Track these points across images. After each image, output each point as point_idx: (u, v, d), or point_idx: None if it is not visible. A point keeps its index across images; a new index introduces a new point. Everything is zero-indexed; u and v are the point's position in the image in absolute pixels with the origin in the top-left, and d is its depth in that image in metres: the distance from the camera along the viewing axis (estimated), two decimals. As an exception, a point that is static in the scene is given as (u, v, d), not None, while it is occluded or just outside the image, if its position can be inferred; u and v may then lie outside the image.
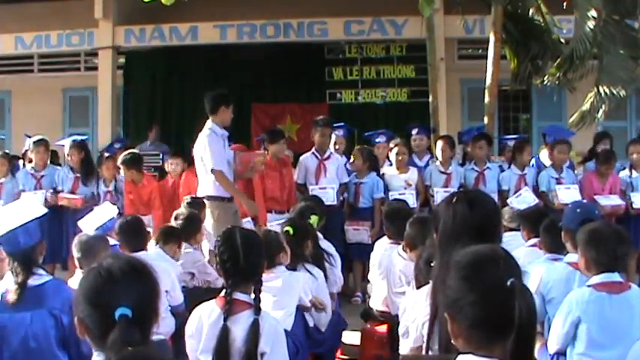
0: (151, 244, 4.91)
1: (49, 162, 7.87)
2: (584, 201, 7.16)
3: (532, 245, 4.75)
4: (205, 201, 6.03)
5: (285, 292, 3.91)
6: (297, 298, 4.05)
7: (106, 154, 7.95)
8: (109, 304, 1.76)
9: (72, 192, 7.57)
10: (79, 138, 8.22)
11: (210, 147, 5.97)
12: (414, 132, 8.07)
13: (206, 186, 6.08)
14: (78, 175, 7.65)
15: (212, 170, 5.95)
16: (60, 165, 8.34)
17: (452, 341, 1.67)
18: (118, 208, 6.50)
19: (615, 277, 3.25)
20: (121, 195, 7.57)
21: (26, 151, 8.44)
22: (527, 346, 1.55)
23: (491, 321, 1.59)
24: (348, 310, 5.60)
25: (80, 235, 3.93)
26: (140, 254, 4.26)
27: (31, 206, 3.27)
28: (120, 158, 7.44)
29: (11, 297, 2.98)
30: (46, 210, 3.42)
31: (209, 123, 6.16)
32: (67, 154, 7.74)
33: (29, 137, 8.26)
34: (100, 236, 3.99)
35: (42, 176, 7.69)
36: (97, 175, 7.79)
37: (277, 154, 7.19)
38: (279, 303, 3.89)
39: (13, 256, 3.04)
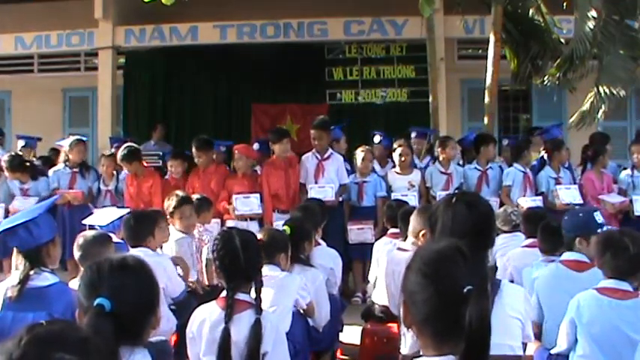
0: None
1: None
2: (585, 202, 7.20)
3: (527, 246, 4.76)
4: None
5: (281, 294, 3.86)
6: (292, 299, 4.00)
7: (104, 154, 7.98)
8: (94, 296, 1.82)
9: (70, 187, 7.60)
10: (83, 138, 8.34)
11: None
12: (413, 135, 8.12)
13: None
14: (75, 170, 7.68)
15: None
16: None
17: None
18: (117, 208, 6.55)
19: (623, 285, 3.23)
20: (122, 196, 7.58)
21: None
22: (478, 355, 1.54)
23: (440, 322, 1.60)
24: (348, 310, 5.58)
25: (81, 235, 3.93)
26: (136, 251, 4.27)
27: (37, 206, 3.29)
28: (119, 155, 7.44)
29: (11, 293, 3.00)
30: None
31: None
32: (68, 152, 7.79)
33: (21, 138, 8.40)
34: (102, 236, 3.98)
35: (27, 189, 7.73)
36: (95, 172, 7.82)
37: (282, 154, 7.21)
38: (275, 304, 3.83)
39: (19, 252, 3.07)
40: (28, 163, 7.93)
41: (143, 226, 4.53)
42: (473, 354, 1.53)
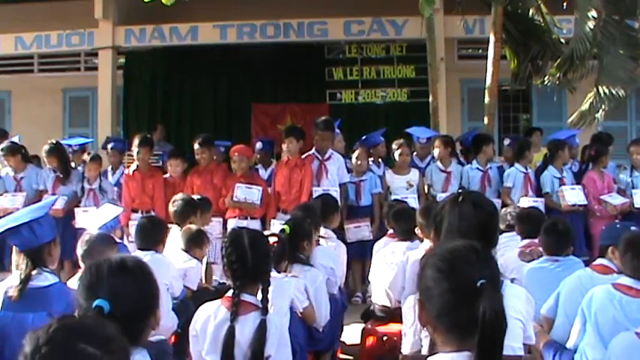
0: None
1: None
2: (587, 202, 7.21)
3: (524, 247, 4.74)
4: None
5: (277, 296, 3.77)
6: (289, 301, 3.97)
7: (90, 156, 7.98)
8: (94, 298, 1.82)
9: (53, 192, 7.58)
10: (76, 143, 8.33)
11: None
12: (419, 140, 8.14)
13: None
14: (59, 174, 7.70)
15: None
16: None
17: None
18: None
19: (638, 284, 3.25)
20: (105, 193, 7.59)
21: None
22: (492, 348, 1.56)
23: (454, 316, 1.62)
24: (348, 310, 5.58)
25: (86, 234, 3.94)
26: (142, 253, 4.28)
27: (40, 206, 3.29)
28: (136, 142, 7.50)
29: (13, 293, 3.00)
30: None
31: None
32: (45, 159, 7.81)
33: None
34: (105, 235, 4.00)
35: (21, 178, 7.80)
36: (79, 173, 7.80)
37: (288, 152, 7.20)
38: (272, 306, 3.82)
39: (21, 252, 3.07)
40: (23, 150, 8.00)
41: (158, 231, 4.58)
42: (487, 348, 1.54)
